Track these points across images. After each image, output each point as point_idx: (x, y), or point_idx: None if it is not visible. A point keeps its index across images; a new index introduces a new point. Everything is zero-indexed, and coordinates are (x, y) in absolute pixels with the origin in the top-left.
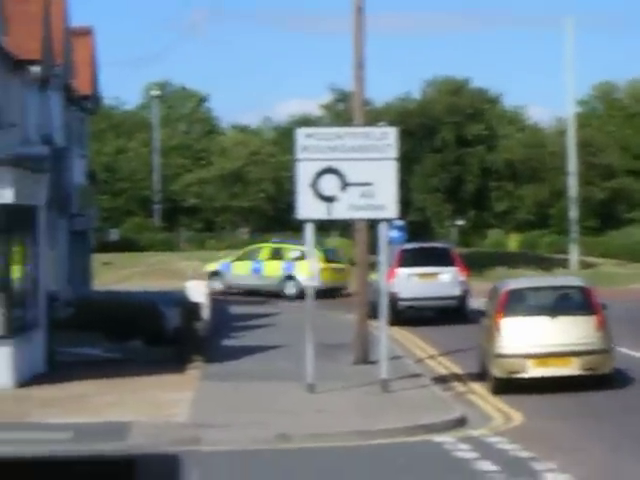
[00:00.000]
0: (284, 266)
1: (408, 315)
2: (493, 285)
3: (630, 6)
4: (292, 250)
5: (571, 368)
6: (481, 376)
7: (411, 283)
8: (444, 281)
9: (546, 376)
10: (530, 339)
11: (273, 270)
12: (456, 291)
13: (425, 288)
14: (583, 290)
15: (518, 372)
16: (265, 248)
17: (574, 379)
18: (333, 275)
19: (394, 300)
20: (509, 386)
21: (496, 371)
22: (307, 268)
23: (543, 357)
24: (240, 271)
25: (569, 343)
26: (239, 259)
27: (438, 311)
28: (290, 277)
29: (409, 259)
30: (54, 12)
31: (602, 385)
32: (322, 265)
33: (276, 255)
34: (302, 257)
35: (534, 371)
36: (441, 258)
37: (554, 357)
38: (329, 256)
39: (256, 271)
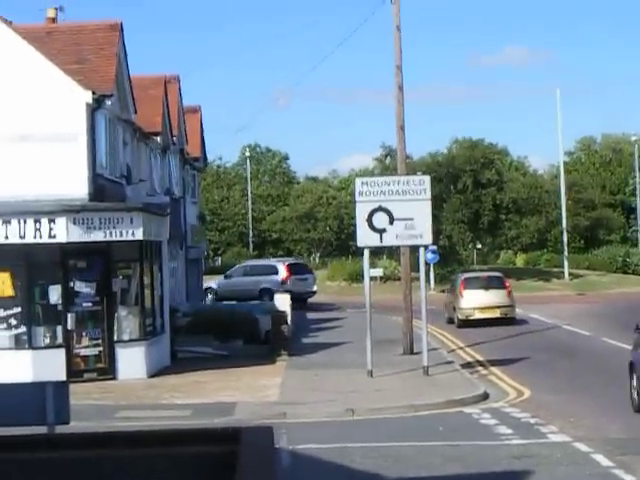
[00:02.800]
0: None
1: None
2: (455, 275)
3: (605, 77)
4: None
5: (496, 314)
6: (450, 321)
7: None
8: None
9: (484, 317)
10: (476, 300)
11: None
12: None
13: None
14: (500, 278)
15: (470, 316)
16: None
17: (497, 319)
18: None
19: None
20: (466, 323)
21: (459, 316)
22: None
23: (482, 308)
24: None
25: (494, 302)
26: None
27: None
28: None
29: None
30: (170, 95)
31: (510, 322)
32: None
33: None
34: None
35: (478, 315)
36: None
37: (488, 308)
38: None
39: None
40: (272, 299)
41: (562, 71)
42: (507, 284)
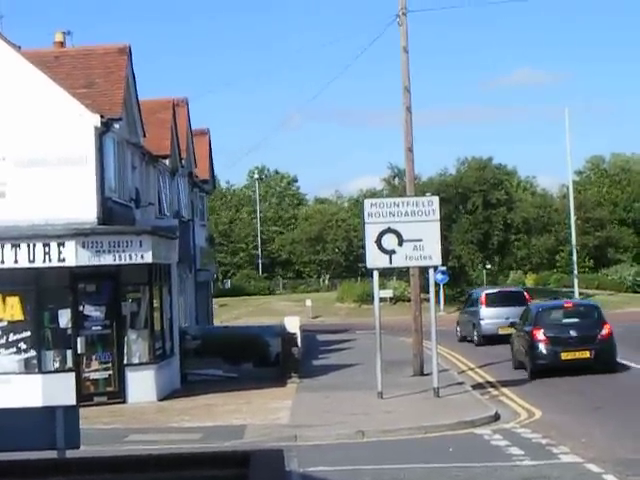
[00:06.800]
0: None
1: None
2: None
3: (614, 99)
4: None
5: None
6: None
7: None
8: None
9: None
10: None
11: None
12: None
13: None
14: None
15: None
16: None
17: None
18: None
19: None
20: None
21: None
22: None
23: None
24: None
25: None
26: None
27: None
28: None
29: None
30: (179, 118)
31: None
32: None
33: None
34: None
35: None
36: None
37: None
38: None
39: None
40: None
41: (571, 91)
42: None
